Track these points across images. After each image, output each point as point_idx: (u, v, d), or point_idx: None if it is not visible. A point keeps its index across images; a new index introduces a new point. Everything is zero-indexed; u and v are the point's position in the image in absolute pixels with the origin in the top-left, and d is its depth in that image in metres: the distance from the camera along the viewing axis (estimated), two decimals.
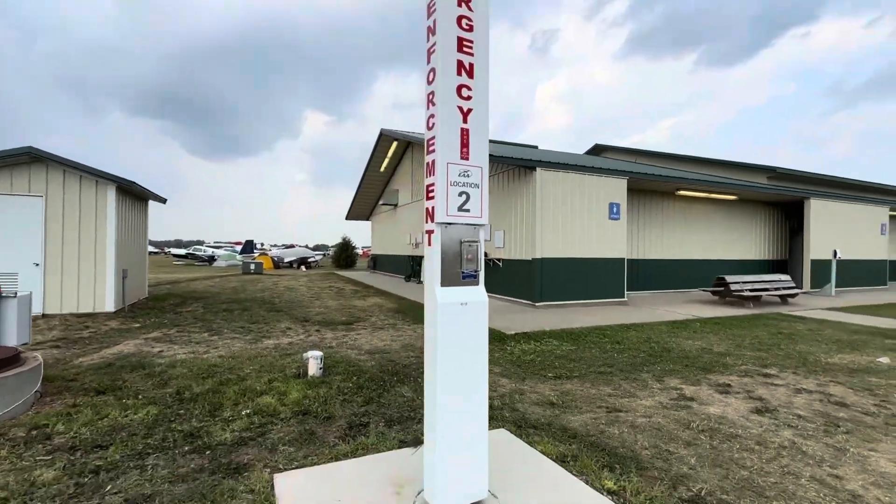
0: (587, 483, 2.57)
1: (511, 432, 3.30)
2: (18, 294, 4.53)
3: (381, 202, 21.74)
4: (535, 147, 20.82)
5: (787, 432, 3.40)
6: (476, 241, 2.33)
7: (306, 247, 48.13)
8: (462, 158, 2.25)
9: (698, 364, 5.37)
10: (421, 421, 3.49)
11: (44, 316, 8.03)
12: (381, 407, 3.86)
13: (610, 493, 2.50)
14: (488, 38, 2.33)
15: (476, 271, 2.33)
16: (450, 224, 2.25)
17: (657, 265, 13.56)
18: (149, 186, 10.25)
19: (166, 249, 53.39)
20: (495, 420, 3.52)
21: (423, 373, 4.71)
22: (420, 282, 16.63)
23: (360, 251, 35.66)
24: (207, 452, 2.95)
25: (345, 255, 31.51)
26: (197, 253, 38.53)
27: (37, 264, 8.14)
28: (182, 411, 3.67)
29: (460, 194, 2.24)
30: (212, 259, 36.99)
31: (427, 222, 2.29)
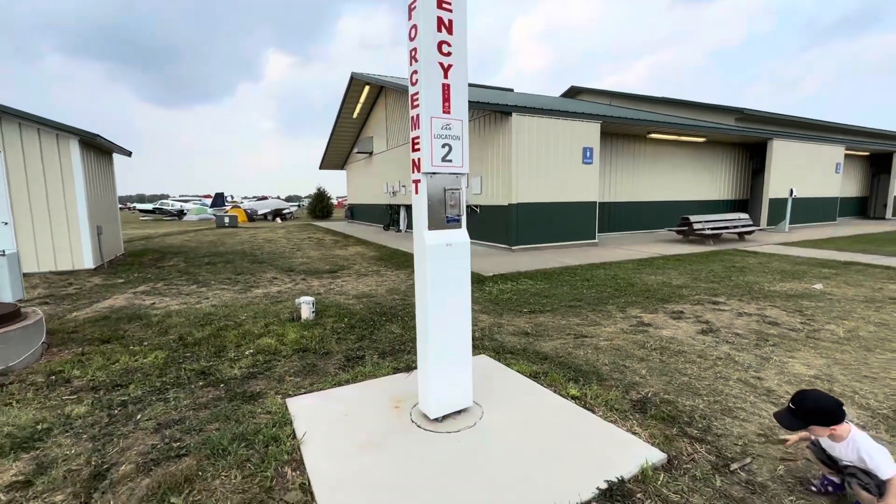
0: (555, 392, 3.06)
1: (491, 357, 3.76)
2: (7, 252, 4.59)
3: (355, 150, 21.29)
4: (511, 90, 20.46)
5: (724, 347, 3.99)
6: (458, 189, 2.59)
7: (278, 198, 47.04)
8: (444, 112, 2.45)
9: (658, 296, 5.96)
10: (410, 353, 3.91)
11: (24, 275, 7.96)
12: (374, 342, 4.26)
13: (574, 398, 2.99)
14: None
15: (459, 216, 2.62)
16: (435, 174, 2.49)
17: (627, 207, 14.14)
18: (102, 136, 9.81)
19: (130, 205, 51.12)
20: (477, 349, 3.98)
21: (409, 313, 5.11)
22: (399, 230, 16.85)
23: (335, 201, 35.21)
24: (221, 385, 3.30)
25: (321, 205, 31.13)
26: (164, 207, 37.22)
27: (5, 223, 7.94)
28: (188, 354, 3.97)
29: (443, 146, 2.47)
30: (181, 213, 35.86)
31: (414, 172, 2.52)
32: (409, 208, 16.42)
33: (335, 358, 3.86)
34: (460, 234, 2.62)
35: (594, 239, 11.47)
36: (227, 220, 22.17)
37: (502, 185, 10.55)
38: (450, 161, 2.51)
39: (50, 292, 6.69)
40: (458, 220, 2.62)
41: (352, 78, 17.18)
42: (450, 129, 2.48)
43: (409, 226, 16.56)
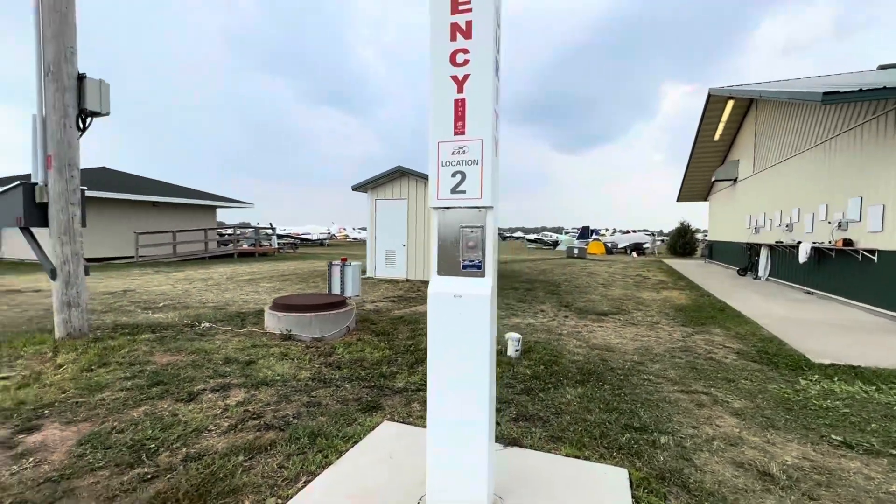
0: None
1: None
2: (353, 264, 7.07)
3: (714, 178, 17.92)
4: None
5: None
6: (479, 227, 2.01)
7: (645, 231, 45.67)
8: (456, 134, 2.00)
9: None
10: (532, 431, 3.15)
11: (407, 280, 11.82)
12: (540, 402, 3.68)
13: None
14: None
15: (480, 261, 2.02)
16: (446, 208, 2.06)
17: None
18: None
19: (515, 235, 63.62)
20: None
21: (626, 380, 4.07)
22: (757, 277, 12.82)
23: (701, 236, 30.62)
24: (384, 389, 3.86)
25: (681, 241, 27.88)
26: (543, 238, 44.03)
27: (403, 245, 12.04)
28: (398, 357, 4.82)
29: (454, 174, 2.01)
30: (555, 244, 41.36)
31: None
32: (772, 249, 12.23)
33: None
34: (479, 286, 2.02)
35: None
36: (576, 251, 23.81)
37: None
38: (462, 192, 2.01)
39: (402, 294, 9.60)
40: (479, 267, 2.03)
41: (709, 95, 14.72)
42: (464, 153, 1.99)
43: (773, 273, 12.27)
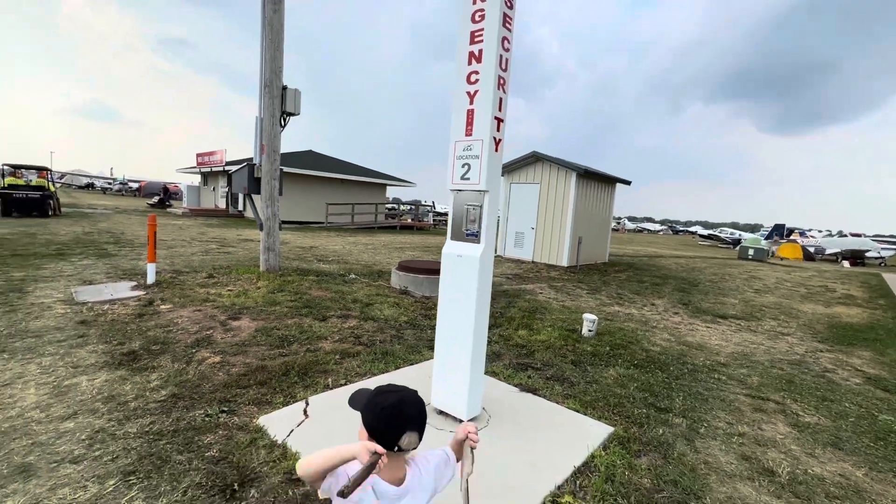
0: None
1: None
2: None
3: None
4: None
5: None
6: (478, 205, 2.68)
7: (877, 237, 34.91)
8: (466, 135, 2.69)
9: None
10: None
11: (532, 261, 12.35)
12: (574, 370, 4.10)
13: None
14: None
15: (477, 231, 2.70)
16: (459, 191, 2.78)
17: None
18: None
19: (691, 230, 55.30)
20: None
21: (691, 374, 4.18)
22: None
23: None
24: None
25: None
26: (720, 235, 37.97)
27: (532, 228, 12.52)
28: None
29: (463, 165, 2.71)
30: (736, 242, 35.30)
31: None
32: None
33: (504, 359, 4.25)
34: (474, 249, 2.70)
35: None
36: (751, 252, 20.29)
37: None
38: (468, 179, 2.69)
39: (516, 273, 10.23)
40: (476, 236, 2.71)
41: None
42: (470, 150, 2.67)
43: None
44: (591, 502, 2.18)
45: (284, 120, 7.26)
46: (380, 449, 1.02)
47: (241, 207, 23.82)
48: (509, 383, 3.63)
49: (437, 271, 7.02)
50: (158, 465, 2.27)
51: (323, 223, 21.58)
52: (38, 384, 3.05)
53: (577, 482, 2.34)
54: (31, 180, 15.02)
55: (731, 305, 8.03)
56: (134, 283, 6.11)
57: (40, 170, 15.52)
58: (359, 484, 0.97)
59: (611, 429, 2.94)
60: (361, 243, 14.85)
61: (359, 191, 24.34)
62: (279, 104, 7.08)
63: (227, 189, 25.77)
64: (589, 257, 12.76)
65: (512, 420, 2.94)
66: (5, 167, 14.80)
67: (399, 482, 1.12)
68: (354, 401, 1.18)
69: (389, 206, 26.00)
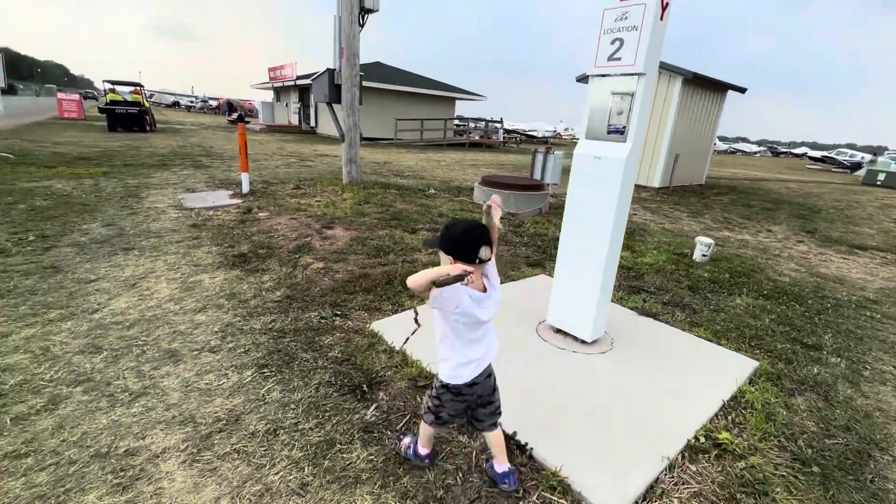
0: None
1: None
2: (556, 153, 7.37)
3: None
4: None
5: None
6: (628, 93, 2.17)
7: None
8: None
9: None
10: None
11: None
12: (693, 297, 3.68)
13: None
14: None
15: (624, 126, 2.22)
16: (602, 76, 2.27)
17: None
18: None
19: (796, 152, 47.65)
20: None
21: (836, 310, 3.65)
22: None
23: None
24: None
25: None
26: (837, 158, 32.62)
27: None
28: None
29: (613, 41, 2.17)
30: (856, 166, 30.20)
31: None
32: None
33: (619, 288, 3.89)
34: (618, 149, 2.25)
35: None
36: (881, 177, 17.23)
37: None
38: (617, 59, 2.16)
39: None
40: (622, 133, 2.24)
41: None
42: (625, 18, 2.10)
43: None
44: (751, 441, 1.92)
45: (363, 18, 6.68)
46: (468, 267, 1.25)
47: (312, 124, 24.02)
48: (623, 306, 3.32)
49: (523, 187, 6.57)
50: (287, 360, 2.32)
51: (392, 139, 21.27)
52: (168, 279, 3.25)
53: (730, 418, 2.07)
54: (126, 97, 15.91)
55: (869, 236, 6.87)
56: (231, 192, 6.35)
57: (135, 86, 16.32)
58: (451, 282, 1.22)
59: (755, 362, 2.58)
60: (433, 160, 14.47)
61: (427, 105, 23.35)
62: None
63: (298, 105, 25.94)
64: (684, 178, 11.44)
65: (638, 345, 2.67)
66: (105, 83, 15.72)
67: (482, 289, 1.40)
68: (430, 243, 1.42)
69: (462, 122, 24.83)
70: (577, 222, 2.50)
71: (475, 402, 1.52)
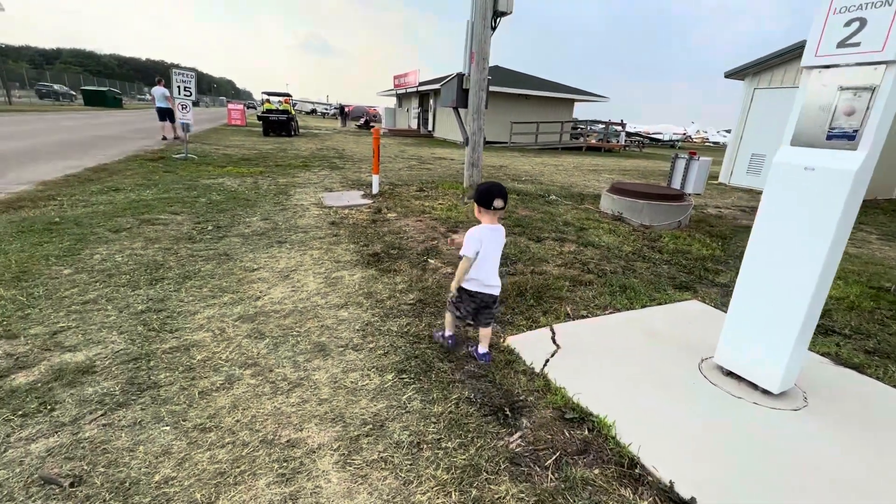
0: None
1: None
2: (701, 159, 6.52)
3: None
4: None
5: None
6: (867, 88, 1.70)
7: None
8: None
9: None
10: None
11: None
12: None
13: None
14: None
15: (855, 130, 1.75)
16: (827, 66, 1.81)
17: None
18: None
19: None
20: None
21: None
22: None
23: None
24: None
25: None
26: None
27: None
28: (729, 260, 4.52)
29: (848, 22, 1.71)
30: None
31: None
32: None
33: None
34: (842, 159, 1.78)
35: None
36: None
37: None
38: (854, 45, 1.70)
39: (753, 206, 8.08)
40: (853, 138, 1.76)
41: None
42: None
43: None
44: None
45: (496, 21, 6.63)
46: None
47: (430, 128, 25.01)
48: (809, 350, 2.70)
49: (659, 196, 5.90)
50: (425, 369, 2.29)
51: (506, 143, 21.13)
52: (315, 273, 3.51)
53: None
54: (277, 106, 18.28)
55: None
56: (362, 192, 6.79)
57: (285, 96, 18.69)
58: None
59: None
60: (549, 164, 13.98)
61: (543, 107, 22.73)
62: (492, 2, 6.43)
63: (418, 110, 27.24)
64: (868, 190, 9.29)
65: (841, 405, 2.12)
66: (263, 94, 18.25)
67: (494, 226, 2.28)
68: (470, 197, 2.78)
69: (578, 125, 23.71)
70: (770, 244, 2.06)
71: (481, 305, 2.31)
